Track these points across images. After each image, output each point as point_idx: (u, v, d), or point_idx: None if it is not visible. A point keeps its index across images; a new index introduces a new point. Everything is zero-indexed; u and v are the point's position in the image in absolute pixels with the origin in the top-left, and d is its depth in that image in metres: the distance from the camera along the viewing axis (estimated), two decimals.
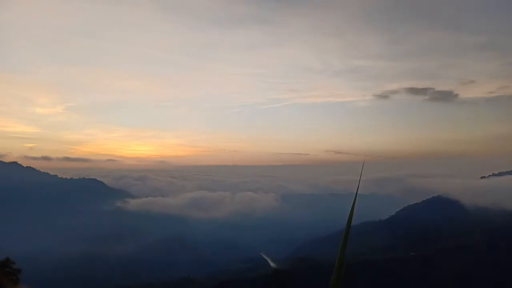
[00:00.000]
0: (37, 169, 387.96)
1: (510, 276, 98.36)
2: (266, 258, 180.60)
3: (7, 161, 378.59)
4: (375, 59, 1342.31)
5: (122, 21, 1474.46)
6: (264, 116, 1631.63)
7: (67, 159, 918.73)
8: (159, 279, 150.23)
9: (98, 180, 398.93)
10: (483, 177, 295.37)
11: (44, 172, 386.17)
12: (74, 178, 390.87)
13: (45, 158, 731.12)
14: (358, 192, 4.58)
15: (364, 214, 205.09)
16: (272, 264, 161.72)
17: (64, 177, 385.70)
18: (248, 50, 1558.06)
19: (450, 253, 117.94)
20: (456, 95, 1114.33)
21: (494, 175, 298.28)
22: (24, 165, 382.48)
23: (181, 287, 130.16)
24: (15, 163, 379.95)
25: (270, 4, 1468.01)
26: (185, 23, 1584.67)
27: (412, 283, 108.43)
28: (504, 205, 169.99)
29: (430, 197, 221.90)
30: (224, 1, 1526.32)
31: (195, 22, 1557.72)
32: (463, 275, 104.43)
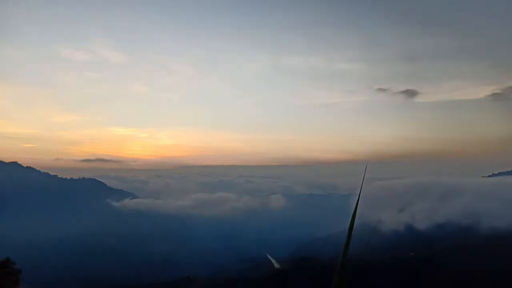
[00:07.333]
0: (37, 169, 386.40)
1: (510, 276, 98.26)
2: (270, 258, 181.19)
3: (7, 161, 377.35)
4: (357, 62, 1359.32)
5: (119, 22, 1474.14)
6: (264, 116, 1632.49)
7: (67, 159, 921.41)
8: (159, 279, 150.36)
9: (98, 180, 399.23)
10: (483, 177, 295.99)
11: (44, 172, 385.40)
12: (74, 178, 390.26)
13: (45, 158, 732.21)
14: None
15: (364, 214, 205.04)
16: (275, 263, 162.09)
17: (64, 177, 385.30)
18: (244, 52, 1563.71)
19: (450, 253, 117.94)
20: (420, 95, 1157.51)
21: (494, 175, 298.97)
22: (24, 165, 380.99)
23: (181, 287, 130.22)
24: (15, 163, 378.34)
25: (255, 8, 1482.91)
26: (182, 25, 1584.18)
27: (412, 283, 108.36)
28: (504, 205, 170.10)
29: (430, 197, 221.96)
30: (215, 9, 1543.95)
31: (191, 25, 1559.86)
32: (463, 275, 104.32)
